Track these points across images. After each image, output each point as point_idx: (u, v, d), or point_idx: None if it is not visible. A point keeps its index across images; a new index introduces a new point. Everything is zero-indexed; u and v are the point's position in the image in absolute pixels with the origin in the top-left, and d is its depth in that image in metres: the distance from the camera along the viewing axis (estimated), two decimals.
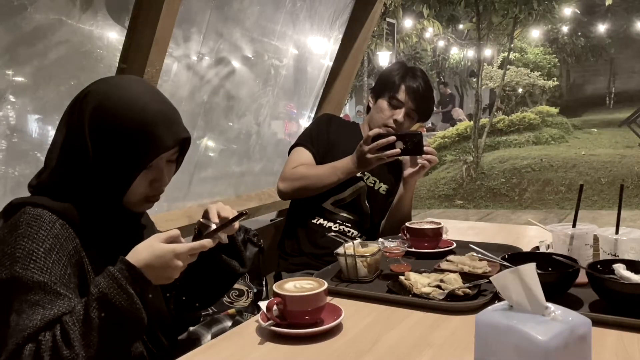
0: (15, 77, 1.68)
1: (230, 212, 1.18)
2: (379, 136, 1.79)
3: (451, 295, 1.27)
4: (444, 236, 1.75)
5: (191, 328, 1.40)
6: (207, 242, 1.07)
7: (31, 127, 1.78)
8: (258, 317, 1.20)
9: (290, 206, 2.17)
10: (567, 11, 11.71)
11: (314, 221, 2.03)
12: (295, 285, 1.17)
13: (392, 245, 1.50)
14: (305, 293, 1.13)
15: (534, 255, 1.37)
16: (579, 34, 15.92)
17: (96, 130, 1.06)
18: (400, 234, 1.77)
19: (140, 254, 1.01)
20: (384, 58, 10.69)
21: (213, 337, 1.36)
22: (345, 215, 2.04)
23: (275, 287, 1.17)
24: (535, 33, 13.01)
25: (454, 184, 8.98)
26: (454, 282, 1.31)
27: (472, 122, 10.18)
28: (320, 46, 2.94)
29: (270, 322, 1.13)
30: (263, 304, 1.19)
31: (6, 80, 1.65)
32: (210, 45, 2.28)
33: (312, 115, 3.01)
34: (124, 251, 1.03)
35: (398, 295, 1.32)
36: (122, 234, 1.14)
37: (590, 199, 7.65)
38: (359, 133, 2.11)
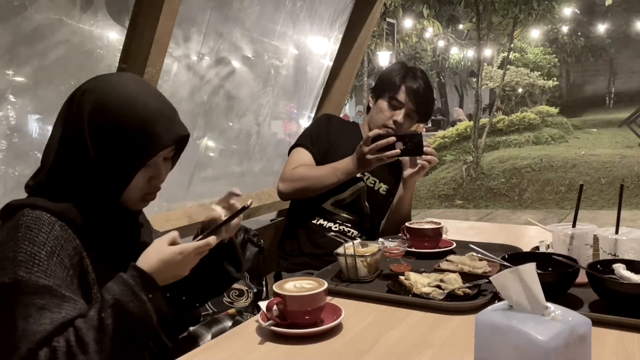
0: (15, 77, 1.68)
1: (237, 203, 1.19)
2: (378, 137, 1.79)
3: (451, 295, 1.27)
4: (443, 236, 1.75)
5: (191, 328, 1.40)
6: (212, 240, 1.08)
7: (31, 127, 1.78)
8: (258, 317, 1.20)
9: (290, 206, 2.17)
10: (567, 11, 11.73)
11: (314, 221, 2.02)
12: (295, 285, 1.17)
13: (392, 245, 1.50)
14: (305, 293, 1.13)
15: (534, 255, 1.37)
16: (579, 34, 15.94)
17: (96, 129, 1.05)
18: (400, 234, 1.76)
19: (151, 258, 1.02)
20: (384, 58, 10.70)
21: (213, 337, 1.36)
22: (345, 215, 2.04)
23: (275, 287, 1.17)
24: (535, 33, 13.02)
25: (454, 184, 8.99)
26: (454, 282, 1.31)
27: (472, 122, 10.19)
28: (320, 46, 2.93)
29: (270, 322, 1.13)
30: (263, 304, 1.19)
31: (6, 80, 1.65)
32: (210, 45, 2.28)
33: (312, 115, 3.01)
34: (123, 250, 1.03)
35: (398, 295, 1.31)
36: (121, 233, 1.14)
37: (590, 199, 7.66)
38: (358, 133, 2.11)
